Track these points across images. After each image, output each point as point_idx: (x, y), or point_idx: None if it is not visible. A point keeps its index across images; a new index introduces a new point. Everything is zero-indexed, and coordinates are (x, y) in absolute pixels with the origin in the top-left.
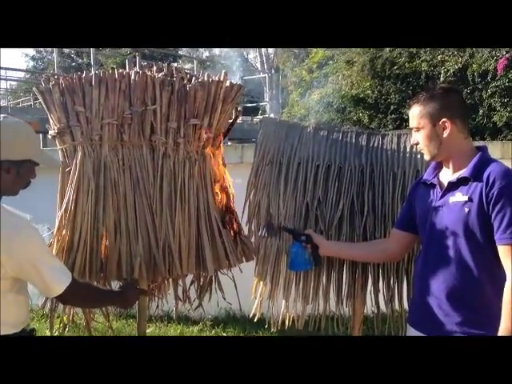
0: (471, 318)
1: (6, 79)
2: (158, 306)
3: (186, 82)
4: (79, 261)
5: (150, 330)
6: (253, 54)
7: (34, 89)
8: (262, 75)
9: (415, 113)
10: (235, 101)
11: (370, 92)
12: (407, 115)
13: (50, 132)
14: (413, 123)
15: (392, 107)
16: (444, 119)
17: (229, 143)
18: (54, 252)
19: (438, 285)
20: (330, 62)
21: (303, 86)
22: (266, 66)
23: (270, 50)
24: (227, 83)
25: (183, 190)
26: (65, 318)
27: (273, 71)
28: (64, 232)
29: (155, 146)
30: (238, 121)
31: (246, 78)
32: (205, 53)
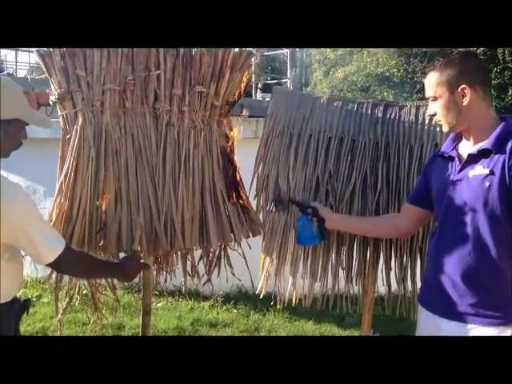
0: (488, 300)
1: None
2: (165, 280)
3: None
4: (78, 231)
5: (161, 305)
6: None
7: (34, 52)
8: (284, 51)
9: (431, 81)
10: (244, 68)
11: (395, 70)
12: None
13: (51, 97)
14: (429, 92)
15: (418, 86)
16: (463, 85)
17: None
18: (52, 220)
19: (454, 264)
20: None
21: (327, 64)
22: None
23: None
24: (236, 49)
25: (187, 160)
26: (70, 291)
27: (297, 48)
28: (63, 200)
29: (159, 114)
30: (259, 98)
31: (267, 53)
32: None
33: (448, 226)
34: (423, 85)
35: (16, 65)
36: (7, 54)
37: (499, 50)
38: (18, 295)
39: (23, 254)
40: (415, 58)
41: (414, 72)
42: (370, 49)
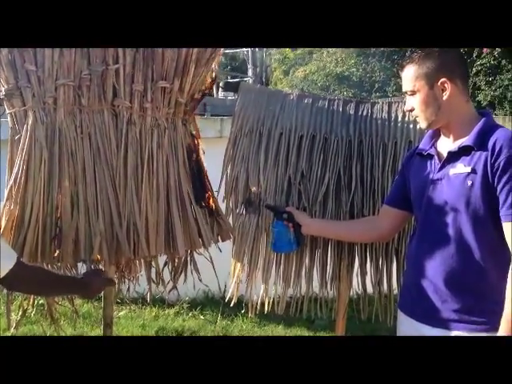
0: (472, 305)
1: None
2: (128, 288)
3: None
4: (30, 240)
5: (123, 313)
6: None
7: None
8: (244, 49)
9: (409, 74)
10: (210, 64)
11: (354, 70)
12: (392, 93)
13: None
14: (407, 86)
15: (377, 85)
16: (443, 79)
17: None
18: (0, 229)
19: (435, 267)
20: None
21: (287, 63)
22: None
23: None
24: None
25: (151, 161)
26: (24, 302)
27: (257, 48)
28: (13, 207)
29: (118, 112)
30: (220, 96)
31: (226, 51)
32: None
33: (428, 228)
34: (382, 84)
35: None
36: None
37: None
38: None
39: None
40: (373, 58)
41: (372, 71)
42: (329, 49)
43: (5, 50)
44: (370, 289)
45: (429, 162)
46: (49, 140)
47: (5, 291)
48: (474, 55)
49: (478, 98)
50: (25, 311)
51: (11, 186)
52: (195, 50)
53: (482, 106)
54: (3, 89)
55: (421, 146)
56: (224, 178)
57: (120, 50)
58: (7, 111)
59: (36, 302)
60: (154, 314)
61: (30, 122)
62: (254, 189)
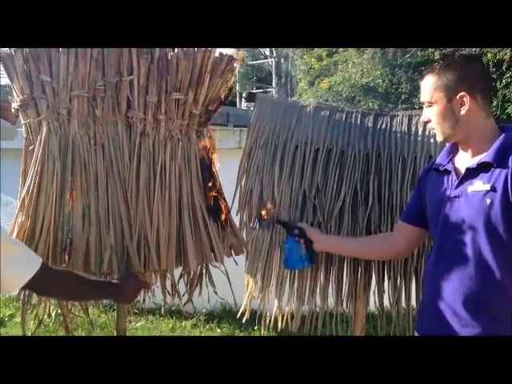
0: (493, 328)
1: None
2: (144, 300)
3: (167, 50)
4: (41, 251)
5: (140, 324)
6: None
7: None
8: (269, 60)
9: (428, 84)
10: (226, 74)
11: (380, 81)
12: (419, 105)
13: (13, 104)
14: (424, 97)
15: (403, 97)
16: (462, 93)
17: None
18: None
19: (454, 289)
20: (340, 49)
21: (312, 74)
22: (274, 53)
23: None
24: (216, 53)
25: (163, 173)
26: (40, 312)
27: (282, 59)
28: (24, 219)
29: (132, 123)
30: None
31: (252, 62)
32: None
33: (445, 247)
34: (408, 95)
35: None
36: None
37: (483, 61)
38: None
39: None
40: (400, 69)
41: (399, 82)
42: (355, 59)
43: (20, 60)
44: (388, 306)
45: (446, 178)
46: (62, 151)
47: (20, 300)
48: (504, 67)
49: (507, 111)
50: (40, 321)
51: (24, 197)
52: (210, 60)
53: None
54: (18, 99)
55: (438, 161)
56: (238, 191)
57: (135, 61)
58: (22, 121)
59: (55, 311)
60: (170, 325)
61: (43, 133)
62: (268, 204)
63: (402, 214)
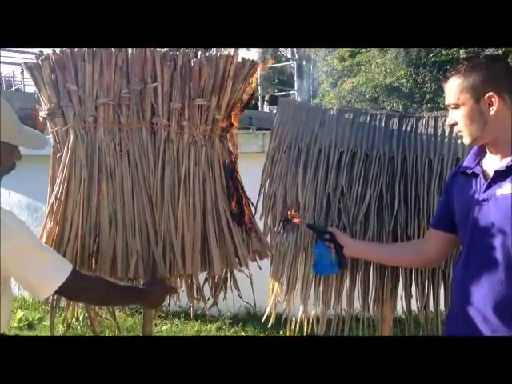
0: None
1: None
2: (169, 303)
3: (190, 56)
4: (68, 257)
5: (166, 328)
6: None
7: (22, 65)
8: (290, 63)
9: (453, 86)
10: (248, 79)
11: (404, 81)
12: (443, 104)
13: (41, 113)
14: (450, 99)
15: (428, 96)
16: (490, 93)
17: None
18: None
19: (484, 295)
20: (363, 49)
21: (334, 75)
22: (296, 56)
23: None
24: (238, 58)
25: (187, 179)
26: (68, 315)
27: (304, 61)
28: (53, 225)
29: (156, 130)
30: (266, 110)
31: (273, 65)
32: None
33: (474, 251)
34: (433, 95)
35: (23, 80)
36: (14, 70)
37: (510, 59)
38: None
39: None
40: (424, 68)
41: (423, 82)
42: (378, 59)
43: (47, 70)
44: (415, 310)
45: (474, 182)
46: (89, 158)
47: (49, 304)
48: None
49: None
50: (69, 324)
51: (52, 204)
52: (233, 65)
53: None
54: (46, 108)
55: (465, 164)
56: (262, 195)
57: (158, 69)
58: (49, 130)
59: (83, 314)
60: (195, 328)
61: (71, 141)
62: (291, 206)
63: (431, 220)
